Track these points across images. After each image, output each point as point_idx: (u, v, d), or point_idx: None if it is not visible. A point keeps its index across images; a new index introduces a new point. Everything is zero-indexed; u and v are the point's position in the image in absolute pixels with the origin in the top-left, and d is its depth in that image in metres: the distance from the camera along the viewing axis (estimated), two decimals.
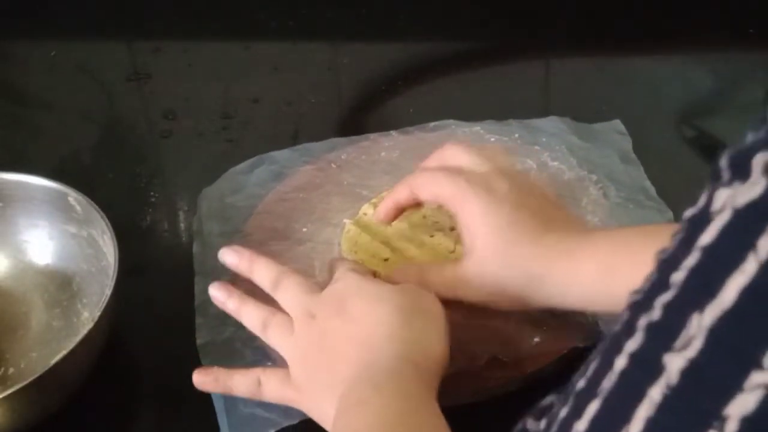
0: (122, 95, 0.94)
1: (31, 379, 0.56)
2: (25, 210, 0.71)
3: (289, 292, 0.61)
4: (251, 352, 0.64)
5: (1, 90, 0.98)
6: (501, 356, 0.61)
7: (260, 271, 0.63)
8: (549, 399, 0.43)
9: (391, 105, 0.91)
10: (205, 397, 0.62)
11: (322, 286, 0.61)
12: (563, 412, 0.35)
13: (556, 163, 0.77)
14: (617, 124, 0.81)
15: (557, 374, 0.60)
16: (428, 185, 0.64)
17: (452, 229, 0.70)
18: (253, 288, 0.64)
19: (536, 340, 0.63)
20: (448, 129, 0.82)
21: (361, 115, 0.90)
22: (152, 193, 0.82)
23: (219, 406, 0.61)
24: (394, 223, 0.71)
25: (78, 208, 0.68)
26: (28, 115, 0.93)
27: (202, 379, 0.61)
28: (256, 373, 0.60)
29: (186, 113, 0.90)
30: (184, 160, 0.86)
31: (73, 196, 0.68)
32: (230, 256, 0.65)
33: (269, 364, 0.62)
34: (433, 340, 0.56)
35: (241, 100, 0.91)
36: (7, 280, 0.72)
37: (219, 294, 0.63)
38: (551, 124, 0.81)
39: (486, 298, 0.61)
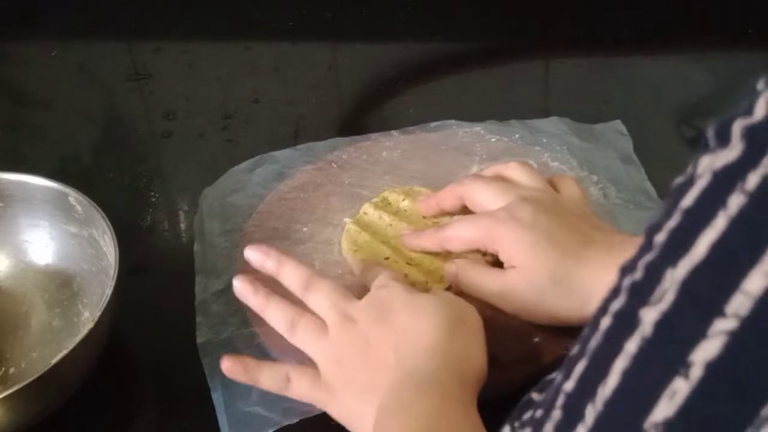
0: (122, 95, 0.94)
1: (31, 378, 0.56)
2: (25, 210, 0.71)
3: (323, 294, 0.60)
4: (251, 351, 0.64)
5: (1, 90, 0.98)
6: (501, 356, 0.61)
7: (290, 272, 0.62)
8: (554, 374, 0.44)
9: (391, 105, 0.91)
10: (205, 397, 0.62)
11: (354, 291, 0.61)
12: (558, 378, 0.37)
13: (556, 164, 0.77)
14: (618, 124, 0.81)
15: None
16: (459, 233, 0.66)
17: None
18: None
19: (536, 340, 0.63)
20: (450, 129, 0.82)
21: (362, 115, 0.90)
22: (153, 193, 0.82)
23: (219, 406, 0.61)
24: (394, 223, 0.71)
25: (78, 208, 0.68)
26: (28, 115, 0.93)
27: (232, 367, 0.59)
28: (285, 369, 0.59)
29: (186, 113, 0.90)
30: (185, 160, 0.86)
31: (74, 196, 0.68)
32: (256, 254, 0.63)
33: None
34: (474, 353, 0.56)
35: (241, 100, 0.91)
36: (7, 280, 0.72)
37: (245, 288, 0.62)
38: (552, 124, 0.81)
39: (527, 310, 0.62)
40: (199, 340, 0.66)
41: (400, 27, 1.00)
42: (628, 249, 0.59)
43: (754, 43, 0.94)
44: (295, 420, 0.60)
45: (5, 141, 0.90)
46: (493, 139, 0.80)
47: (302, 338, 0.60)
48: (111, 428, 0.65)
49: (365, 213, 0.73)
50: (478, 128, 0.81)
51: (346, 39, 1.00)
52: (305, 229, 0.73)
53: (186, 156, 0.86)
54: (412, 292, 0.59)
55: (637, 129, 0.81)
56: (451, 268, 0.65)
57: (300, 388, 0.59)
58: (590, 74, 0.93)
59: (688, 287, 0.31)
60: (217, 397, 0.62)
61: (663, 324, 0.31)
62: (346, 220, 0.73)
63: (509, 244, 0.62)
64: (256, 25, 1.01)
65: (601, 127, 0.81)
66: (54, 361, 0.58)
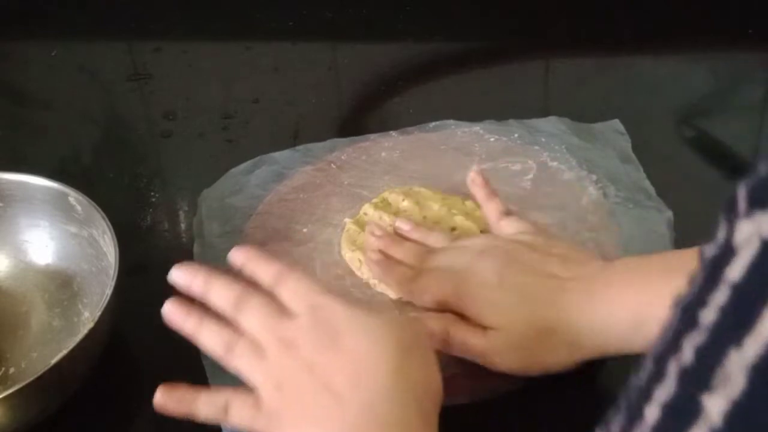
0: (122, 95, 0.94)
1: (31, 378, 0.56)
2: (25, 210, 0.71)
3: (255, 314, 0.54)
4: None
5: (1, 90, 0.99)
6: None
7: (218, 290, 0.55)
8: None
9: (391, 105, 0.90)
10: None
11: (286, 309, 0.54)
12: None
13: (555, 163, 0.77)
14: (616, 123, 0.82)
15: (557, 374, 0.60)
16: (423, 296, 0.64)
17: (453, 229, 0.70)
18: None
19: None
20: (448, 129, 0.82)
21: (361, 115, 0.90)
22: (152, 193, 0.82)
23: None
24: (395, 224, 0.71)
25: (78, 208, 0.68)
26: (28, 115, 0.94)
27: (164, 401, 0.55)
28: (224, 396, 0.54)
29: (186, 113, 0.90)
30: (184, 160, 0.86)
31: (74, 196, 0.68)
32: (183, 275, 0.57)
33: None
34: (430, 374, 0.53)
35: (241, 100, 0.91)
36: (7, 280, 0.72)
37: (175, 313, 0.56)
38: (551, 124, 0.82)
39: (518, 367, 0.59)
40: None
41: (400, 27, 1.00)
42: (608, 288, 0.58)
43: (754, 43, 0.94)
44: None
45: (5, 141, 0.90)
46: (492, 139, 0.80)
47: (239, 361, 0.54)
48: (111, 428, 0.65)
49: (365, 213, 0.73)
50: (476, 128, 0.81)
51: (346, 39, 1.00)
52: (305, 229, 0.73)
53: (186, 156, 0.86)
54: (353, 308, 0.54)
55: (636, 128, 0.81)
56: (439, 325, 0.61)
57: (240, 417, 0.54)
58: (590, 74, 0.93)
59: (763, 369, 0.28)
60: None
61: (737, 411, 0.29)
62: (347, 220, 0.73)
63: (474, 308, 0.60)
64: (256, 25, 1.01)
65: (599, 127, 0.81)
66: (54, 361, 0.58)
